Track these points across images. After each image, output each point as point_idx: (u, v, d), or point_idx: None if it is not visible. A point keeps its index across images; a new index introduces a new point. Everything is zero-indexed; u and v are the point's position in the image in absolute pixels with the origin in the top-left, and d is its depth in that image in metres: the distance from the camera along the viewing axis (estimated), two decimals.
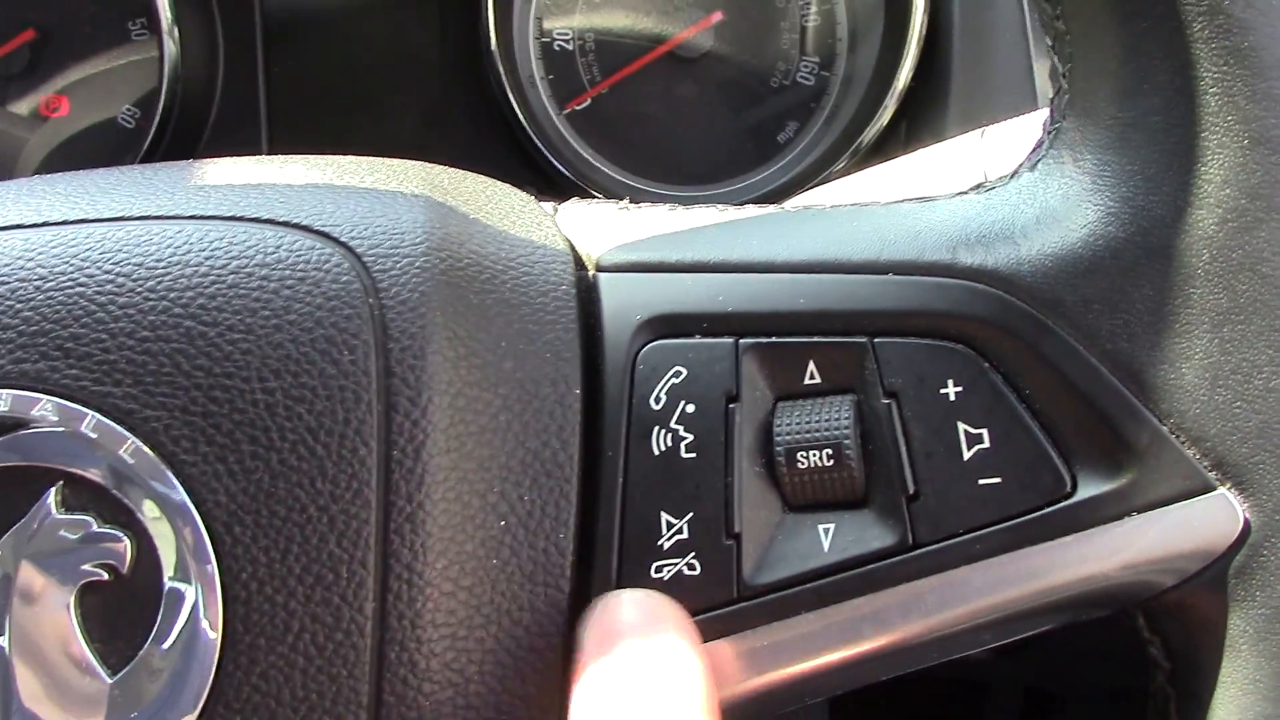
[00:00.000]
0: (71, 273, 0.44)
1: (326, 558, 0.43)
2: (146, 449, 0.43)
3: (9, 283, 0.44)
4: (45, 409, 0.43)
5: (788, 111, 1.03)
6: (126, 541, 0.43)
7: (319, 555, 0.43)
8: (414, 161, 0.54)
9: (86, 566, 0.43)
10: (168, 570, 0.42)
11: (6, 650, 0.42)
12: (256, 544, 0.42)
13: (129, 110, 1.01)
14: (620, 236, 0.50)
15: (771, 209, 0.50)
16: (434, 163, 0.99)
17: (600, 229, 0.51)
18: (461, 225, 0.48)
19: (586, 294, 0.48)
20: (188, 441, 0.43)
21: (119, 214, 0.46)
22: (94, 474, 0.43)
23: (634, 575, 0.45)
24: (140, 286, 0.44)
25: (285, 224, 0.46)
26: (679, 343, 0.46)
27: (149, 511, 0.43)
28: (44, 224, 0.46)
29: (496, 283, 0.47)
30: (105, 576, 0.43)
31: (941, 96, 0.93)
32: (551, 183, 0.98)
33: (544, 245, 0.49)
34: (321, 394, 0.43)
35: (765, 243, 0.47)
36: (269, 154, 1.01)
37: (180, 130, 0.97)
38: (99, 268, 0.44)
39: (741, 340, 0.46)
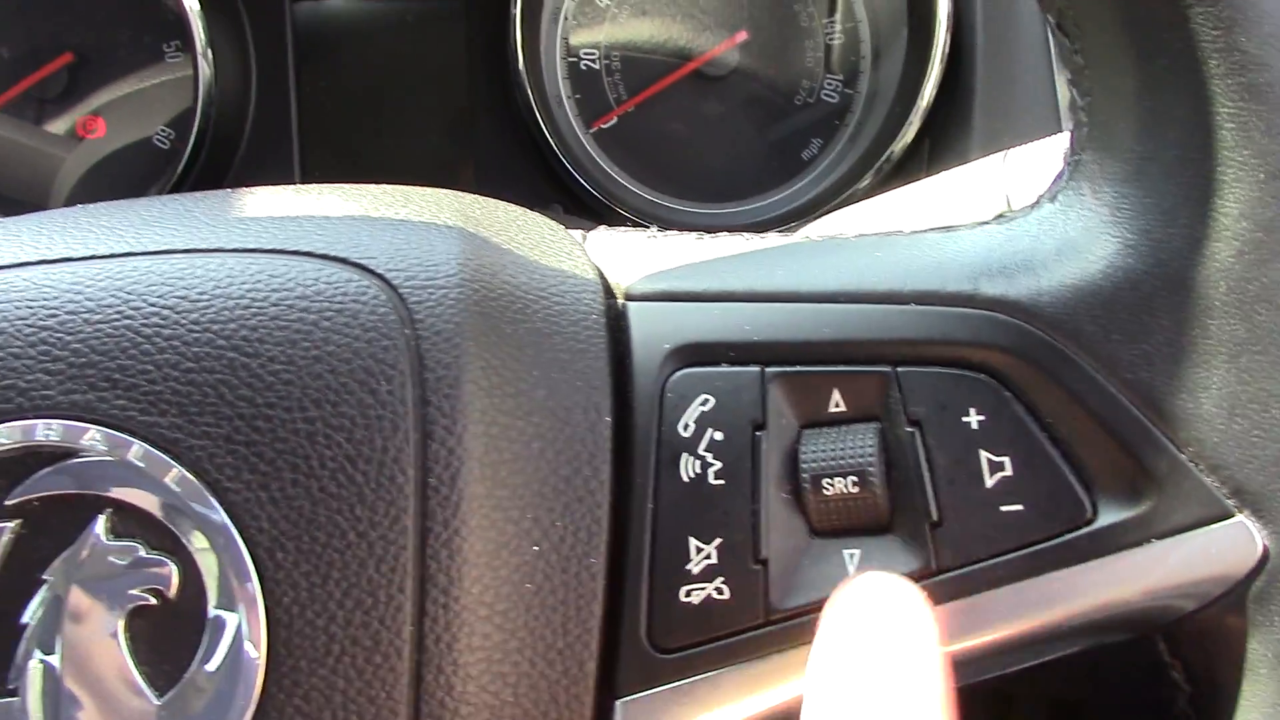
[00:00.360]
0: (119, 305, 0.46)
1: (365, 582, 0.44)
2: (192, 477, 0.44)
3: (58, 315, 0.46)
4: (94, 438, 0.44)
5: (812, 129, 1.04)
6: (173, 567, 0.44)
7: (358, 580, 0.44)
8: (447, 191, 0.55)
9: (134, 591, 0.44)
10: (212, 595, 0.44)
11: (58, 672, 0.44)
12: (298, 569, 0.44)
13: (163, 131, 1.03)
14: (648, 265, 0.51)
15: (797, 239, 0.52)
16: (461, 180, 1.01)
17: (629, 258, 0.52)
18: (494, 256, 0.49)
19: (616, 323, 0.49)
20: (231, 469, 0.44)
21: (163, 247, 0.48)
22: (141, 501, 0.44)
23: (664, 599, 0.46)
24: (185, 319, 0.45)
25: (324, 256, 0.47)
26: (707, 371, 0.47)
27: (194, 538, 0.44)
28: (91, 257, 0.48)
29: (529, 313, 0.48)
30: (152, 601, 0.44)
31: (965, 114, 0.94)
32: (577, 200, 1.00)
33: (574, 275, 0.50)
34: (360, 423, 0.45)
35: (791, 273, 0.48)
36: (300, 171, 1.03)
37: (214, 149, 0.99)
38: (145, 300, 0.46)
39: (768, 369, 0.47)
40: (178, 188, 0.97)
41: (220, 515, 0.44)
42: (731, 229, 0.98)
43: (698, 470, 0.46)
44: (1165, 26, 0.42)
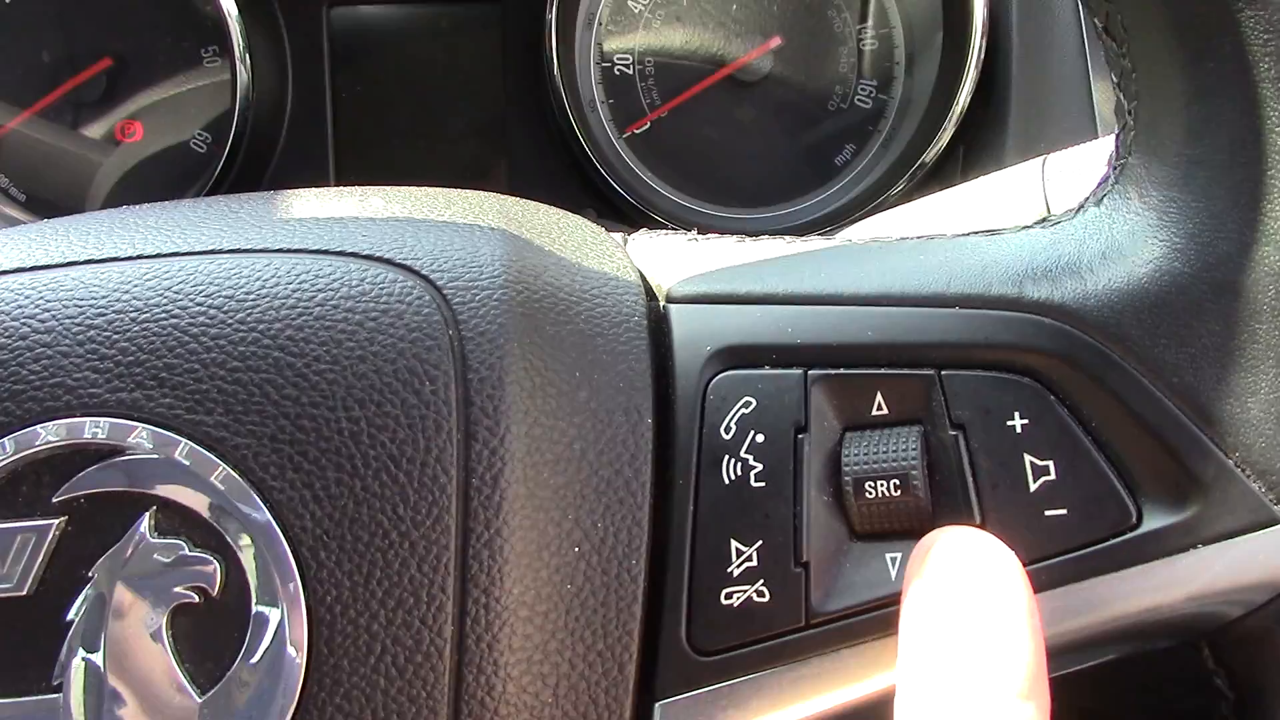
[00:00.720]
0: (166, 305, 0.46)
1: (407, 582, 0.44)
2: (237, 475, 0.44)
3: (106, 314, 0.46)
4: (141, 436, 0.45)
5: (845, 134, 1.04)
6: (217, 565, 0.44)
7: (400, 579, 0.44)
8: (488, 193, 0.55)
9: (178, 589, 0.44)
10: (255, 593, 0.44)
11: (101, 669, 0.44)
12: (341, 568, 0.44)
13: (200, 135, 1.04)
14: (690, 268, 0.51)
15: (838, 241, 0.51)
16: (493, 184, 1.02)
17: (670, 260, 0.52)
18: (537, 258, 0.49)
19: (657, 325, 0.49)
20: (276, 468, 0.44)
21: (210, 247, 0.48)
22: (186, 499, 0.44)
23: (704, 601, 0.46)
24: (231, 319, 0.46)
25: (368, 257, 0.48)
26: (749, 373, 0.47)
27: (238, 536, 0.44)
28: (138, 257, 0.48)
29: (571, 314, 0.48)
30: (196, 599, 0.44)
31: (1000, 121, 0.94)
32: (610, 205, 1.00)
33: (616, 277, 0.50)
34: (404, 423, 0.45)
35: (833, 275, 0.48)
36: (335, 174, 1.03)
37: (251, 153, 0.99)
38: (192, 300, 0.46)
39: (810, 371, 0.47)
40: (214, 191, 0.98)
41: (264, 514, 0.44)
42: (764, 234, 0.98)
43: (739, 472, 0.46)
44: (1215, 30, 0.42)
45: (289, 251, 0.48)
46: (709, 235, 0.55)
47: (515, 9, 1.03)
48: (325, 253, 0.48)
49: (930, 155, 0.95)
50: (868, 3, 1.03)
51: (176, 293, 0.46)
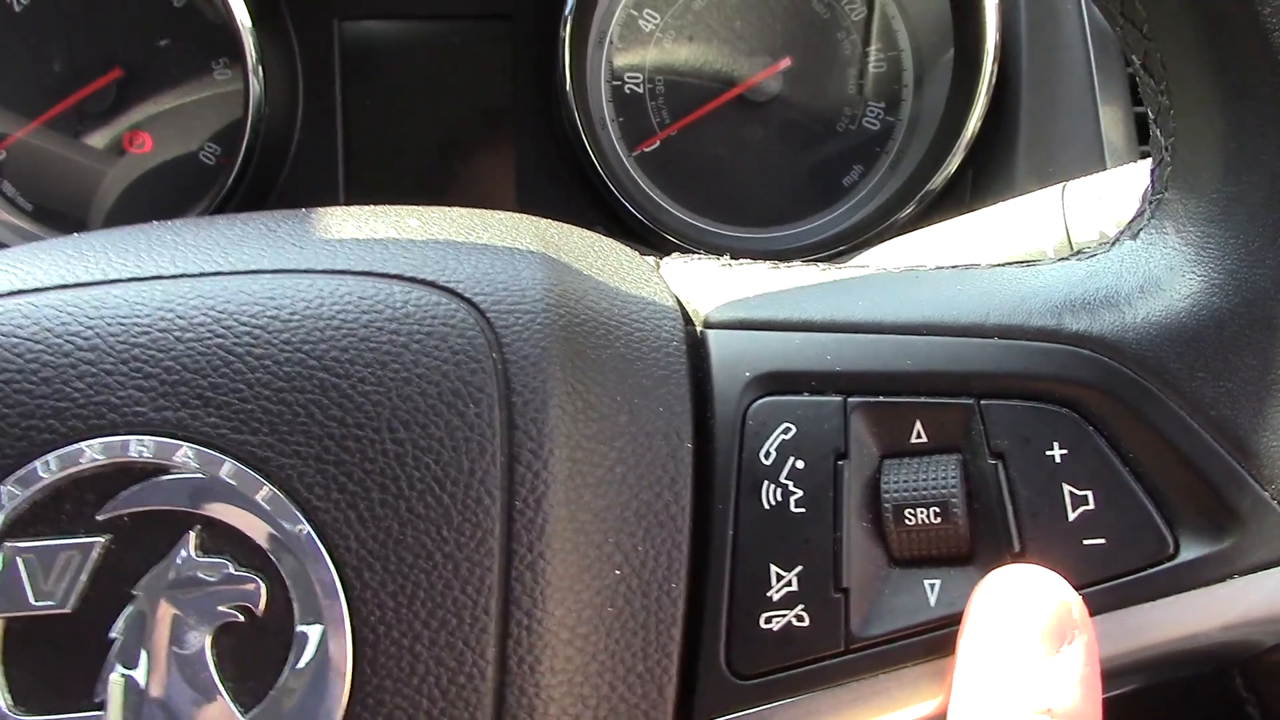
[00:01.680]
0: (210, 324, 0.46)
1: (451, 603, 0.44)
2: (281, 495, 0.44)
3: (151, 332, 0.46)
4: (185, 455, 0.45)
5: (853, 155, 1.05)
6: (261, 584, 0.44)
7: (444, 600, 0.44)
8: (524, 215, 0.56)
9: (222, 607, 0.44)
10: (300, 612, 0.44)
11: (143, 687, 0.44)
12: (384, 589, 0.44)
13: (210, 146, 1.04)
14: (726, 294, 0.52)
15: (874, 270, 0.52)
16: (503, 200, 1.02)
17: (705, 285, 0.53)
18: (577, 281, 0.50)
19: (695, 350, 0.50)
20: (321, 489, 0.44)
21: (252, 267, 0.48)
22: (231, 519, 0.45)
23: (744, 625, 0.46)
24: (276, 339, 0.46)
25: (412, 280, 0.48)
26: (788, 400, 0.48)
27: (282, 555, 0.44)
28: (181, 275, 0.48)
29: (611, 338, 0.48)
30: (240, 617, 0.44)
31: (1010, 146, 0.95)
32: (619, 223, 1.00)
33: (654, 302, 0.51)
34: (448, 445, 0.45)
35: (871, 303, 0.49)
36: (344, 187, 1.04)
37: (261, 166, 0.99)
38: (236, 320, 0.46)
39: (850, 399, 0.47)
40: (225, 203, 0.98)
41: (309, 533, 0.44)
42: (772, 254, 0.99)
43: (779, 498, 0.47)
44: (1255, 70, 0.43)
45: (332, 273, 0.48)
46: (742, 261, 0.55)
47: (526, 25, 1.04)
48: (368, 274, 0.48)
49: (939, 180, 0.96)
50: (876, 25, 1.04)
51: (220, 312, 0.47)
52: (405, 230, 0.52)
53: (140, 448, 0.45)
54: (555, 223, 0.56)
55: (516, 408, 0.46)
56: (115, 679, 0.44)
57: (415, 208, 0.55)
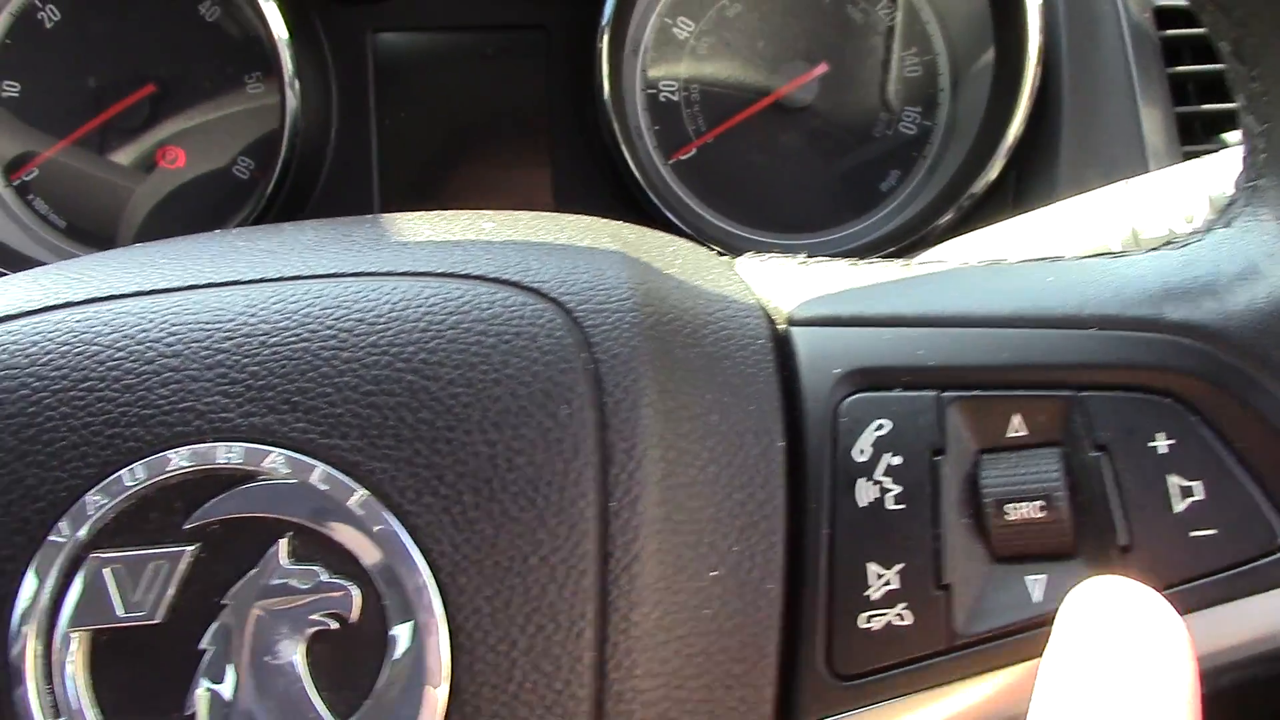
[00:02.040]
0: (295, 328, 0.45)
1: (547, 607, 0.43)
2: (375, 500, 0.44)
3: (234, 338, 0.45)
4: (275, 461, 0.44)
5: (889, 160, 1.05)
6: (354, 591, 0.43)
7: (540, 605, 0.43)
8: (595, 217, 0.55)
9: (315, 616, 0.44)
10: (394, 619, 0.43)
11: (235, 697, 0.43)
12: (480, 593, 0.43)
13: (243, 160, 1.03)
14: (809, 291, 0.51)
15: (958, 264, 0.51)
16: (540, 208, 1.01)
17: (785, 283, 0.52)
18: (659, 280, 0.49)
19: (781, 347, 0.49)
20: (413, 493, 0.44)
21: (332, 271, 0.48)
22: (322, 525, 0.44)
23: (843, 625, 0.45)
24: (363, 341, 0.45)
25: (496, 280, 0.47)
26: (880, 396, 0.47)
27: (376, 561, 0.43)
28: (261, 280, 0.47)
29: (698, 337, 0.47)
30: (333, 625, 0.43)
31: (1051, 149, 0.94)
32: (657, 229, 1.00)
33: (736, 300, 0.50)
34: (540, 446, 0.44)
35: (961, 297, 0.48)
36: (380, 198, 1.03)
37: (297, 179, 0.99)
38: (321, 323, 0.45)
39: (945, 393, 0.46)
40: (262, 217, 0.97)
41: (403, 539, 0.43)
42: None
43: (875, 495, 0.46)
44: None
45: (414, 275, 0.47)
46: (818, 258, 0.55)
47: (560, 35, 1.04)
48: (453, 276, 0.47)
49: (981, 185, 0.95)
50: (911, 29, 1.04)
51: (305, 316, 0.46)
52: (481, 232, 0.52)
53: (228, 454, 0.44)
54: (629, 224, 0.55)
55: (608, 408, 0.45)
56: (204, 691, 0.43)
57: (486, 211, 0.55)
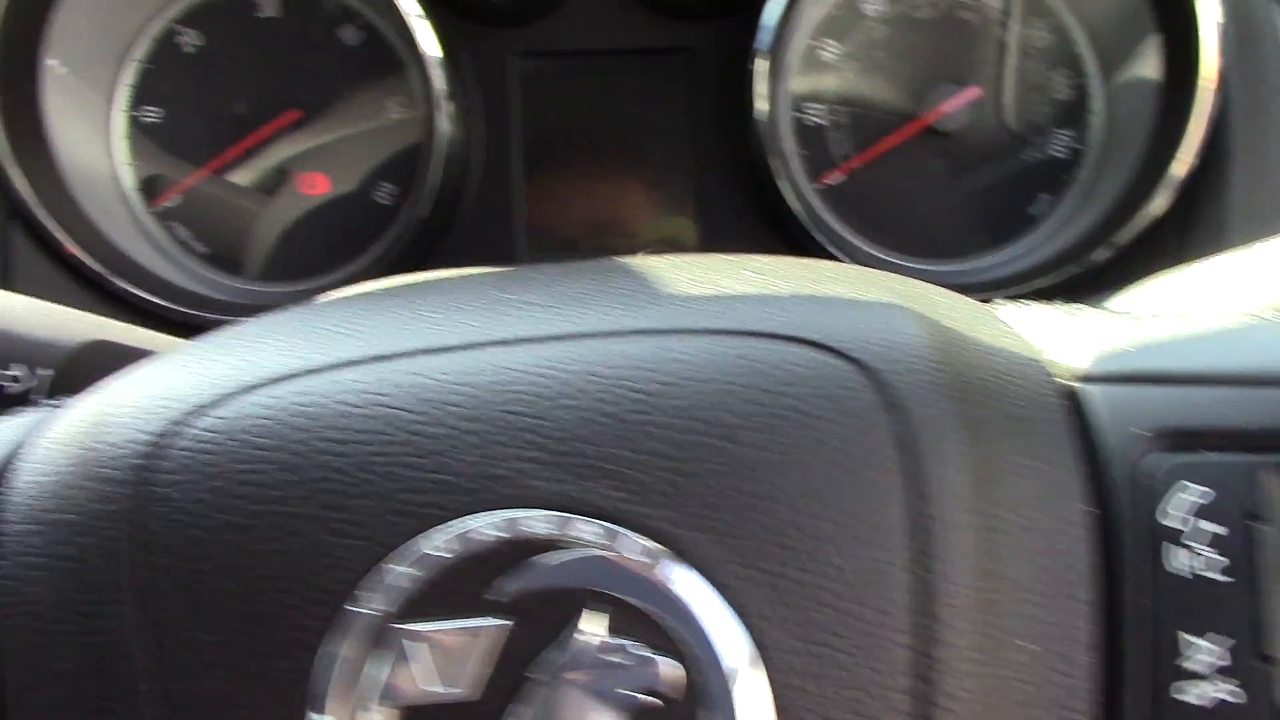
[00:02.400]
0: (594, 389, 0.44)
1: (863, 682, 0.42)
2: (691, 571, 0.42)
3: (532, 400, 0.44)
4: (583, 530, 0.42)
5: (1039, 183, 1.03)
6: (670, 666, 0.42)
7: (855, 679, 0.42)
8: (856, 266, 0.53)
9: (627, 691, 0.42)
10: (713, 697, 0.42)
11: None
12: (806, 670, 0.42)
13: (383, 186, 1.02)
14: (1095, 345, 0.49)
15: (1250, 317, 0.50)
16: (684, 233, 1.00)
17: (1063, 336, 0.50)
18: (948, 337, 0.47)
19: (1075, 405, 0.47)
20: (734, 565, 0.42)
21: (617, 328, 0.46)
22: (634, 597, 0.42)
23: (1159, 698, 0.44)
24: (667, 405, 0.44)
25: (793, 339, 0.46)
26: (1190, 458, 0.45)
27: (694, 636, 0.42)
28: (550, 338, 0.46)
29: (994, 396, 0.46)
30: (650, 701, 0.42)
31: (1220, 184, 0.92)
32: (804, 255, 0.98)
33: (1022, 355, 0.48)
34: (851, 515, 0.43)
35: (1266, 354, 0.46)
36: (526, 228, 1.01)
37: (439, 205, 0.97)
38: (621, 384, 0.44)
39: (1262, 457, 0.45)
40: (412, 243, 0.96)
41: (727, 614, 0.42)
42: (960, 287, 0.96)
43: (1189, 562, 0.44)
44: None
45: (710, 333, 0.46)
46: (1077, 307, 0.53)
47: (706, 58, 1.02)
48: (749, 334, 0.46)
49: (1144, 218, 0.93)
50: (1061, 50, 1.02)
51: (603, 377, 0.44)
52: (750, 283, 0.50)
53: (534, 522, 0.43)
54: (889, 273, 0.53)
55: (918, 474, 0.43)
56: None
57: (742, 257, 0.54)
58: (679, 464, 0.43)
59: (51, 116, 0.95)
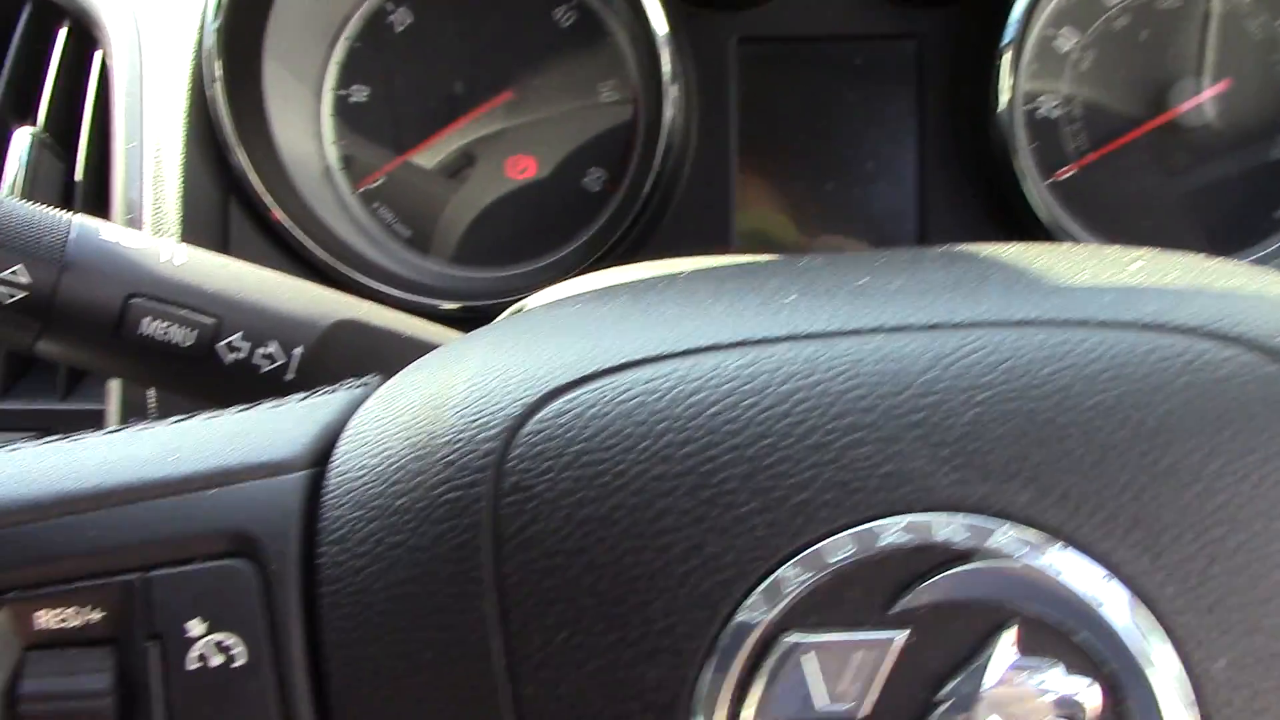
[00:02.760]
0: (1003, 384, 0.40)
1: None
2: (1123, 590, 0.38)
3: (935, 394, 0.40)
4: (1002, 539, 0.38)
5: None
6: (1099, 694, 0.38)
7: None
8: (1230, 261, 0.49)
9: (1052, 717, 0.38)
10: None
11: None
12: (1243, 707, 0.37)
13: (594, 172, 0.99)
14: None
15: None
16: (904, 227, 0.95)
17: None
18: None
19: None
20: (1173, 588, 0.38)
21: (1017, 318, 0.42)
22: (1059, 614, 0.38)
23: None
24: (1085, 403, 0.39)
25: (1213, 335, 0.41)
26: None
27: (1125, 664, 0.38)
28: (943, 325, 0.42)
29: None
30: None
31: None
32: None
33: None
34: None
35: None
36: (738, 213, 0.98)
37: (658, 191, 0.94)
38: (1037, 378, 0.40)
39: None
40: (627, 230, 0.92)
41: (1164, 646, 0.38)
42: None
43: None
44: None
45: (1113, 325, 0.42)
46: None
47: (932, 47, 0.97)
48: (1161, 328, 0.41)
49: None
50: None
51: (1016, 369, 0.40)
52: (1135, 275, 0.46)
53: (947, 529, 0.39)
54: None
55: None
56: None
57: (1111, 247, 0.49)
58: (1103, 468, 0.39)
59: (270, 96, 0.93)
